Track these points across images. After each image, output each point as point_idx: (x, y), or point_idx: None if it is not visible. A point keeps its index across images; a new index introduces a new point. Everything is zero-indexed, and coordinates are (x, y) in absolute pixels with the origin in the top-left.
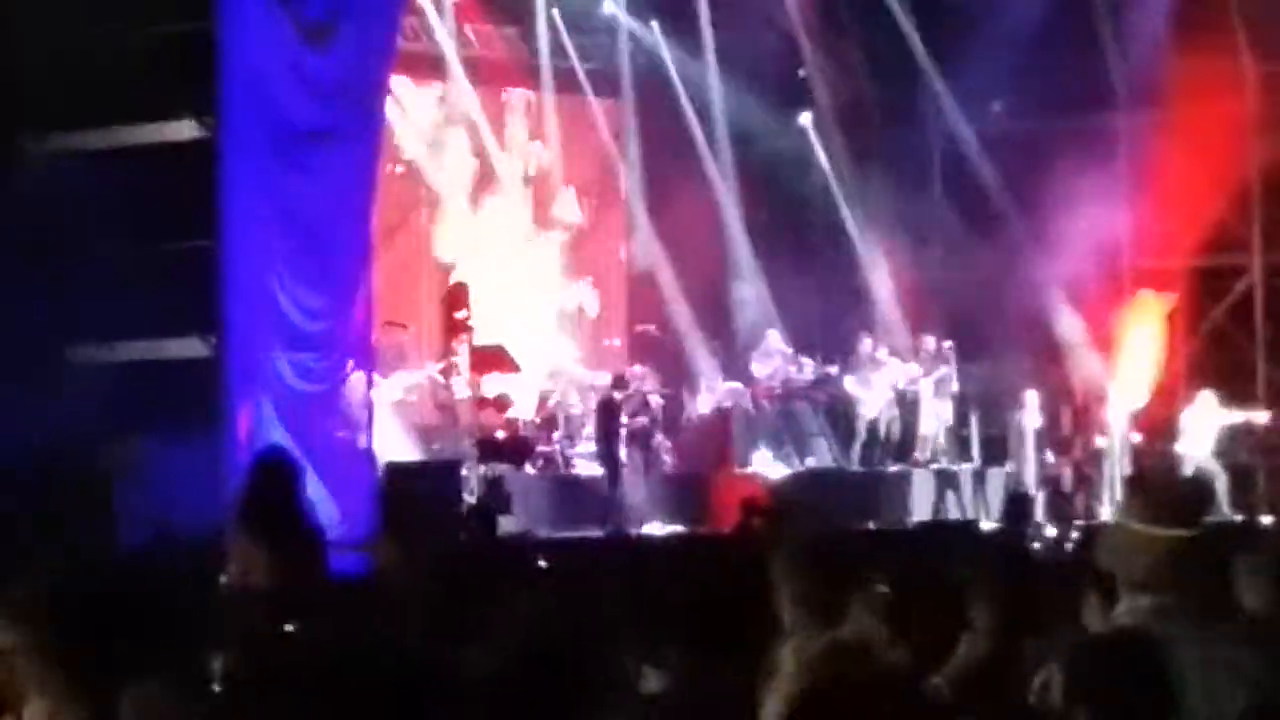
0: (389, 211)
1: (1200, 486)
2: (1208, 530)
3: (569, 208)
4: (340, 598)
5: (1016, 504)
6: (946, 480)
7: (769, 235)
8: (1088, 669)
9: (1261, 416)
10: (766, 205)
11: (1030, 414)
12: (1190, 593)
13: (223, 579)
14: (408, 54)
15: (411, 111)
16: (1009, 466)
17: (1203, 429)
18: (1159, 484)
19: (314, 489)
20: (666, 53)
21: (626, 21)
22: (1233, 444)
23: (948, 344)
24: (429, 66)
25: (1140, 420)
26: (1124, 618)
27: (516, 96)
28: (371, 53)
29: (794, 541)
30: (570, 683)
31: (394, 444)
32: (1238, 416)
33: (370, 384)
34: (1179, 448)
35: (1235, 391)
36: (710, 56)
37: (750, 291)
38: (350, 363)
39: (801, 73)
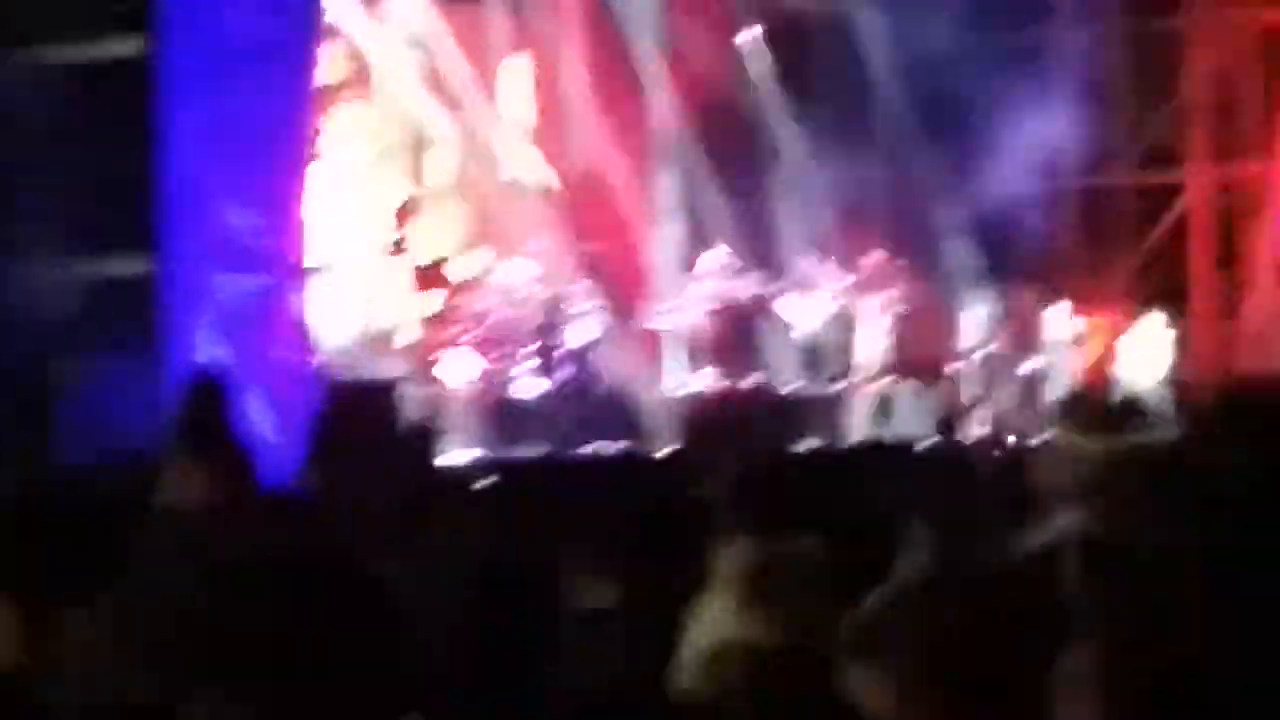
0: None
1: (1132, 401)
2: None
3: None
4: (276, 514)
5: (946, 424)
6: (884, 400)
7: (706, 154)
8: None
9: None
10: (702, 123)
11: (970, 332)
12: (1119, 504)
13: (159, 495)
14: None
15: None
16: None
17: (1146, 349)
18: (1094, 398)
19: (254, 408)
20: None
21: None
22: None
23: (900, 262)
24: None
25: (1081, 340)
26: (1057, 531)
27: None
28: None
29: (730, 465)
30: (514, 599)
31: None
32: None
33: (302, 301)
34: (1119, 367)
35: (1179, 312)
36: None
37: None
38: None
39: None
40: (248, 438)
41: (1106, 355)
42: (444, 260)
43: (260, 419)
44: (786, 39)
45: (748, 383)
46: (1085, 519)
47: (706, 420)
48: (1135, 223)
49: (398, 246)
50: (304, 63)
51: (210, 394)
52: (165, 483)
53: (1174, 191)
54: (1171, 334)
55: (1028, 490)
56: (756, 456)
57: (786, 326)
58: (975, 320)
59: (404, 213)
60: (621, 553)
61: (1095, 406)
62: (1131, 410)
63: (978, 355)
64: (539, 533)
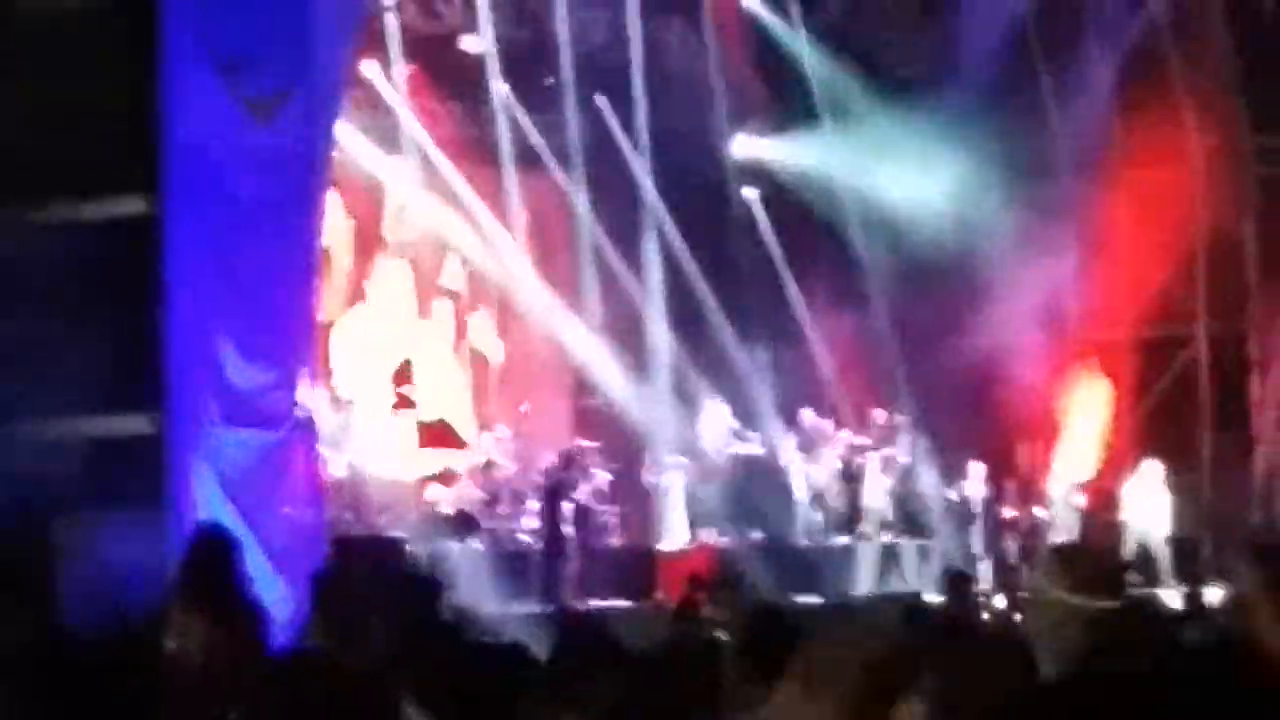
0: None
1: (1117, 556)
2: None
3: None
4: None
5: (953, 579)
6: (890, 554)
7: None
8: None
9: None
10: (708, 275)
11: (974, 485)
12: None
13: (166, 648)
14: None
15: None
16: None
17: (1148, 500)
18: (1081, 553)
19: (260, 566)
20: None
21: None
22: (1176, 515)
23: (901, 418)
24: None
25: (1086, 492)
26: None
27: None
28: (316, 125)
29: (738, 615)
30: None
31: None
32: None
33: (317, 458)
34: (1124, 518)
35: (1182, 464)
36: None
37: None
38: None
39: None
40: (253, 595)
41: (1110, 505)
42: (445, 420)
43: (267, 577)
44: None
45: (754, 536)
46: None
47: (714, 574)
48: (1141, 374)
49: (401, 402)
50: (309, 220)
51: (216, 548)
52: (169, 633)
53: (1179, 344)
54: (1170, 484)
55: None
56: (763, 608)
57: (792, 480)
58: (980, 472)
59: (403, 372)
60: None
61: (1086, 564)
62: (1119, 566)
63: (978, 508)
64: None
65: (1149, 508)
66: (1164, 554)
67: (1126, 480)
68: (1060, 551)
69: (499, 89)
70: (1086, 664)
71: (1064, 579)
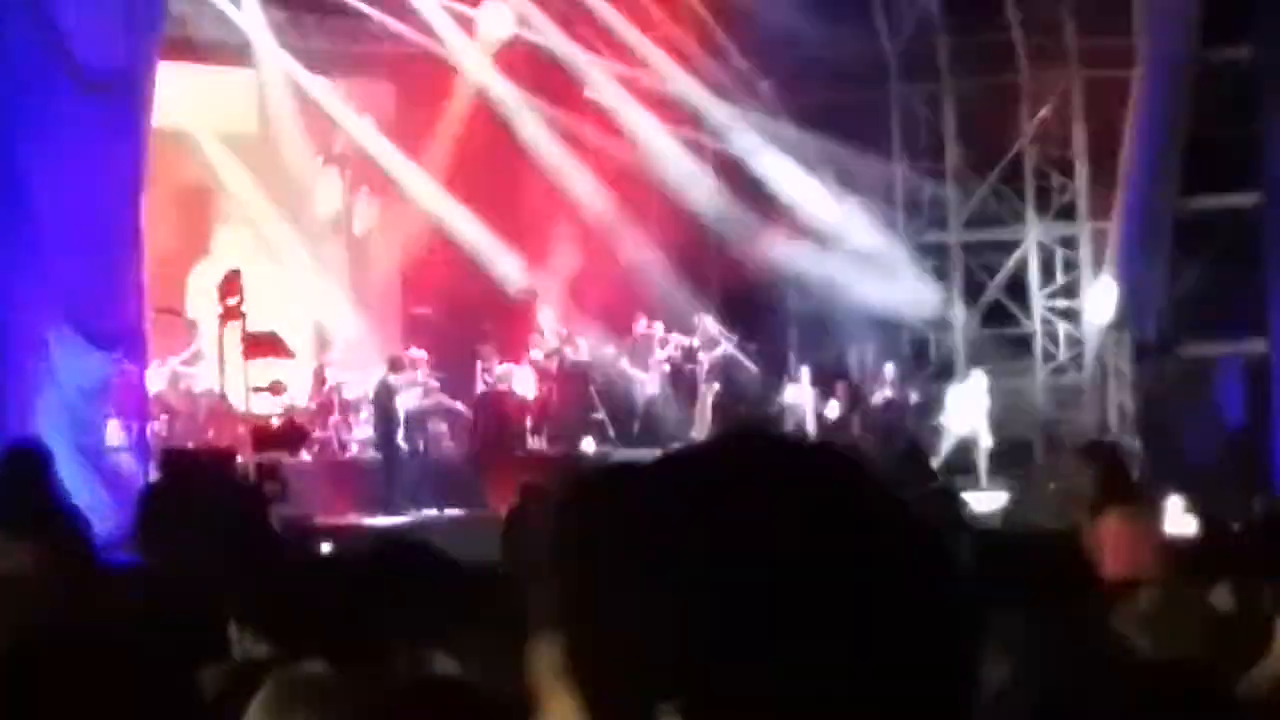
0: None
1: (920, 449)
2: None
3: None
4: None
5: None
6: None
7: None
8: None
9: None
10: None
11: (804, 390)
12: None
13: None
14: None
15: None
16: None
17: (970, 406)
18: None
19: (88, 481)
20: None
21: None
22: (1008, 416)
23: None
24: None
25: None
26: None
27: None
28: (141, 38)
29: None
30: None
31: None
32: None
33: (143, 375)
34: (944, 421)
35: (1014, 367)
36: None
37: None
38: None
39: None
40: (73, 509)
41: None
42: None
43: (96, 492)
44: None
45: (587, 444)
46: None
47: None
48: (971, 277)
49: (228, 313)
50: (137, 136)
51: (28, 462)
52: None
53: (1009, 248)
54: (997, 390)
55: None
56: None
57: (626, 387)
58: (807, 376)
59: (230, 282)
60: (466, 620)
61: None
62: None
63: (806, 411)
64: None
65: (971, 413)
66: (983, 459)
67: (952, 385)
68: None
69: None
70: None
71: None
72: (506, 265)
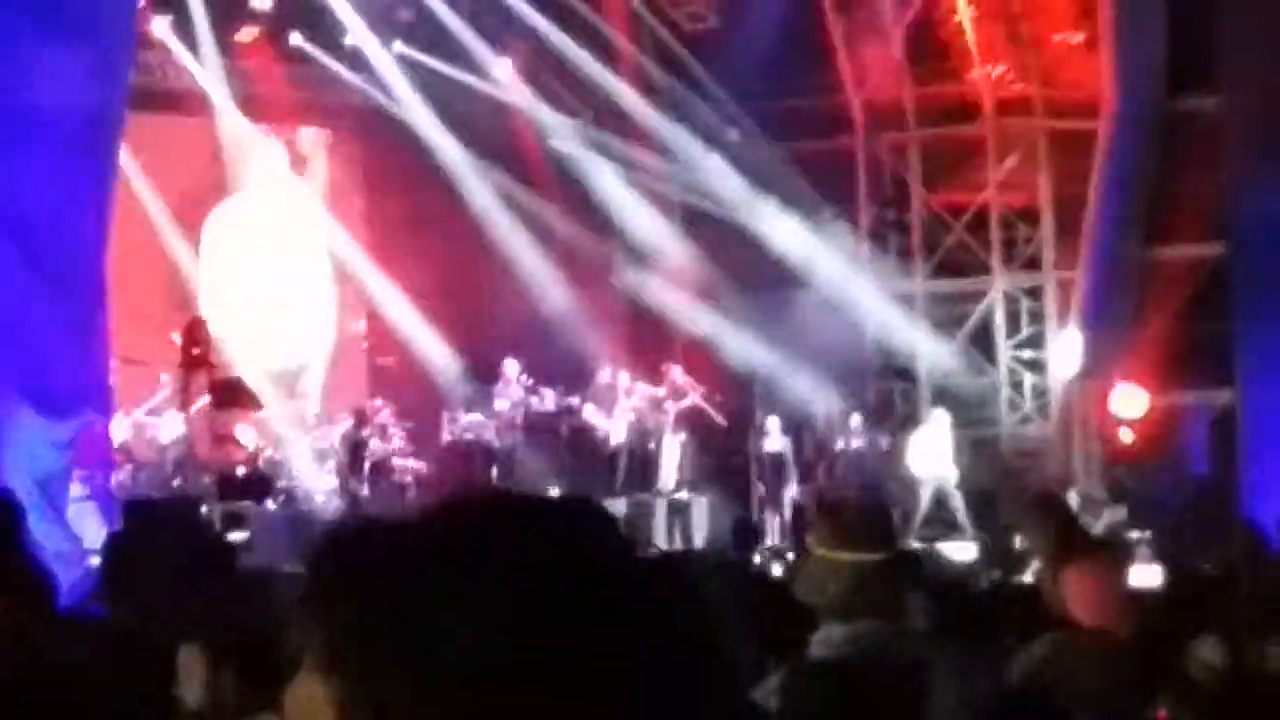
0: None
1: (883, 508)
2: (896, 553)
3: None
4: (70, 636)
5: (741, 531)
6: (679, 510)
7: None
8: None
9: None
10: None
11: (772, 440)
12: (885, 617)
13: None
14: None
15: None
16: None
17: (934, 448)
18: (843, 508)
19: (51, 533)
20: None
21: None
22: (974, 466)
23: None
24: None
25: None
26: (818, 648)
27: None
28: (109, 88)
29: None
30: None
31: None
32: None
33: (108, 424)
34: (913, 469)
35: (980, 416)
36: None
37: None
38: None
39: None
40: (40, 561)
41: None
42: (241, 380)
43: (60, 541)
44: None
45: (552, 494)
46: (851, 632)
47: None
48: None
49: (192, 361)
50: (103, 185)
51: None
52: None
53: (975, 299)
54: (958, 436)
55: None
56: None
57: (591, 437)
58: (776, 426)
59: (194, 330)
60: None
61: (847, 517)
62: (886, 518)
63: (777, 460)
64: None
65: (936, 456)
66: (959, 504)
67: (914, 431)
68: (821, 505)
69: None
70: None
71: (823, 532)
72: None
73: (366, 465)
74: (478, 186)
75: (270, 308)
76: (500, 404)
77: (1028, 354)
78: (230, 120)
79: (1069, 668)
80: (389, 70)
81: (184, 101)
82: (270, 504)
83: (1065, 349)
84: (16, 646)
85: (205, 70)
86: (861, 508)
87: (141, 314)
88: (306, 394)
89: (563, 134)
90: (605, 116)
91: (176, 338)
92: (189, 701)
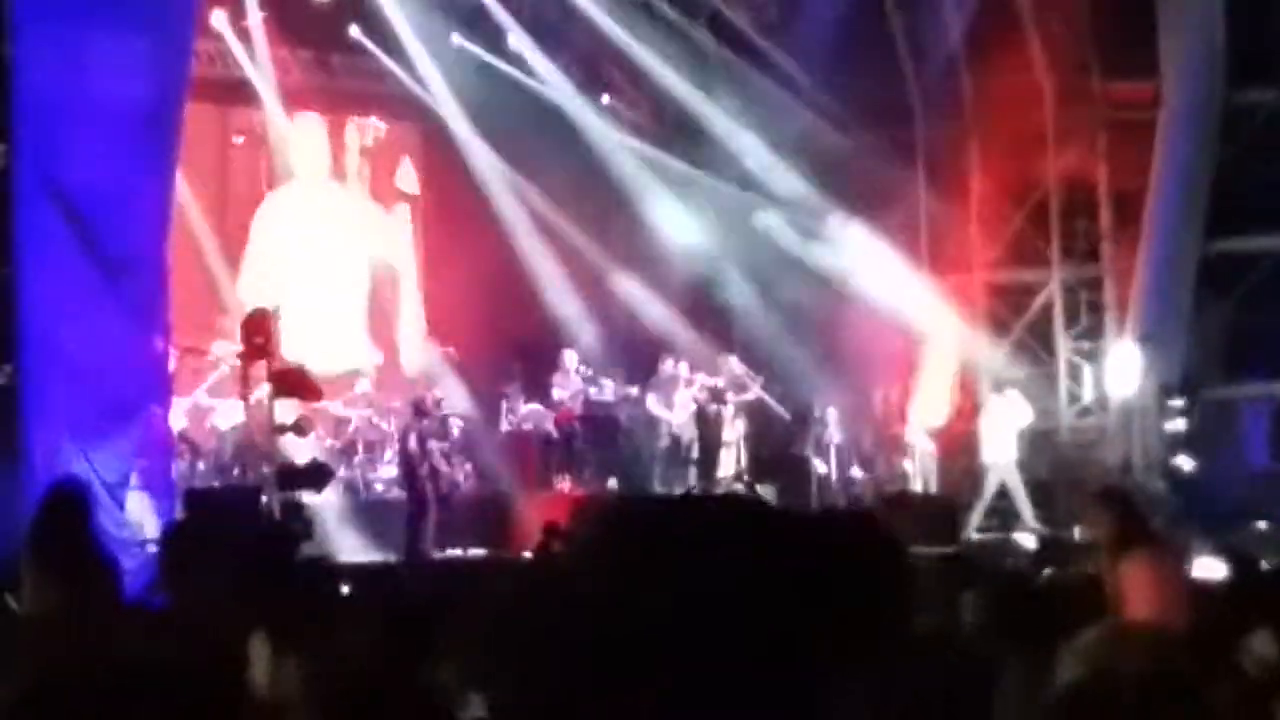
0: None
1: (946, 502)
2: (955, 550)
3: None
4: (135, 626)
5: None
6: None
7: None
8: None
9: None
10: (567, 225)
11: (831, 431)
12: (935, 614)
13: (13, 607)
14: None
15: None
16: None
17: (1005, 432)
18: (908, 501)
19: (114, 520)
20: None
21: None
22: (1033, 458)
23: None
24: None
25: (938, 439)
26: None
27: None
28: (169, 77)
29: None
30: (390, 712)
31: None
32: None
33: (168, 413)
34: (984, 458)
35: (1038, 409)
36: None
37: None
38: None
39: (605, 99)
40: (106, 551)
41: (965, 450)
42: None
43: (124, 530)
44: (645, 139)
45: (612, 485)
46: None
47: (570, 524)
48: (996, 318)
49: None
50: (163, 177)
51: (68, 505)
52: (23, 593)
53: (1033, 290)
54: (1026, 412)
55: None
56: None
57: (651, 427)
58: (835, 417)
59: (259, 320)
60: (502, 661)
61: (913, 512)
62: (951, 516)
63: (839, 451)
64: (408, 640)
65: (1001, 441)
66: (1021, 492)
67: (978, 420)
68: (887, 500)
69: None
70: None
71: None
72: None
73: (427, 455)
74: (528, 183)
75: (322, 297)
76: (559, 394)
77: (1086, 345)
78: (280, 112)
79: (1112, 659)
80: (440, 66)
81: (235, 92)
82: (330, 494)
83: (1123, 364)
84: (85, 634)
85: (257, 63)
86: (923, 501)
87: (188, 305)
88: (365, 384)
89: (618, 126)
90: (663, 112)
91: (229, 327)
92: (258, 688)
